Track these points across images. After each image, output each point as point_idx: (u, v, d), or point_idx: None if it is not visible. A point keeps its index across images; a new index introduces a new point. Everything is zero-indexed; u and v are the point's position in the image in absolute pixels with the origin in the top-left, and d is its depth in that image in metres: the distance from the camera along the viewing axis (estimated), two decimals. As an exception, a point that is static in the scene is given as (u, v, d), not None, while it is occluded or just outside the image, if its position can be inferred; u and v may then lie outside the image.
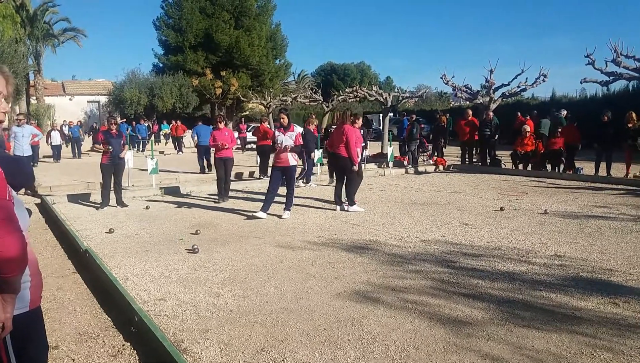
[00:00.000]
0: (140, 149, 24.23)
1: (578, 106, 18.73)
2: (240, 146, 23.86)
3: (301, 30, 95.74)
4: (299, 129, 8.65)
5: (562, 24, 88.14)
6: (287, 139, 7.99)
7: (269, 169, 9.97)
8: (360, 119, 9.22)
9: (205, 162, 14.81)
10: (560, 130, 13.01)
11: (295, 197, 8.41)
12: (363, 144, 10.24)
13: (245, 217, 8.02)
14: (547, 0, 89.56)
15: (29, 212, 2.19)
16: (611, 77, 13.11)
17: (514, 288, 4.53)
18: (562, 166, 12.87)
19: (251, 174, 13.92)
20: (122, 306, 4.17)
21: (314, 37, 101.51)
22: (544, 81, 15.73)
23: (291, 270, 5.19)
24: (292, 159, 8.06)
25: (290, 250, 5.95)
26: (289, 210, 8.02)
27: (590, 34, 75.81)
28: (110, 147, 8.81)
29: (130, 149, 10.76)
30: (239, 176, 13.54)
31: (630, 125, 11.65)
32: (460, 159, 15.74)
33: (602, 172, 12.11)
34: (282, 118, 8.15)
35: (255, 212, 7.99)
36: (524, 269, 5.08)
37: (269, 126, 16.24)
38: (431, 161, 15.80)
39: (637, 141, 11.49)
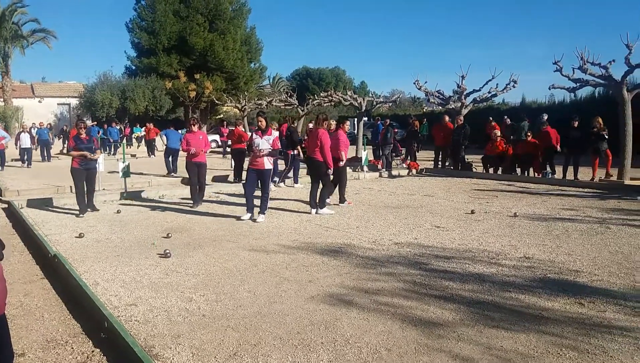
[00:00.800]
0: (112, 153, 23.82)
1: (547, 112, 19.17)
2: (221, 151, 23.70)
3: (276, 34, 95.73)
4: (276, 133, 8.66)
5: (533, 32, 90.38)
6: (263, 142, 8.00)
7: (244, 173, 9.93)
8: (347, 124, 9.72)
9: (171, 165, 14.83)
10: (529, 134, 13.33)
11: (270, 200, 8.39)
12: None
13: (235, 218, 7.96)
14: (519, 8, 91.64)
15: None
16: (578, 84, 13.46)
17: (484, 290, 4.63)
18: (531, 170, 13.21)
19: (225, 178, 13.82)
20: (92, 312, 4.09)
21: (290, 41, 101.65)
22: (514, 86, 16.07)
23: (265, 273, 5.18)
24: (268, 163, 8.06)
25: (265, 254, 5.94)
26: (264, 214, 8.00)
27: (559, 42, 77.94)
28: (85, 153, 8.57)
29: (102, 153, 10.52)
30: (221, 179, 13.42)
31: (595, 130, 12.03)
32: (433, 163, 15.94)
33: (570, 176, 12.44)
34: (260, 121, 8.15)
35: (241, 216, 8.01)
36: (494, 271, 5.19)
37: (243, 129, 16.17)
38: (404, 165, 15.96)
39: (598, 145, 11.87)
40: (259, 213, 8.01)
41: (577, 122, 12.52)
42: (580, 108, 18.62)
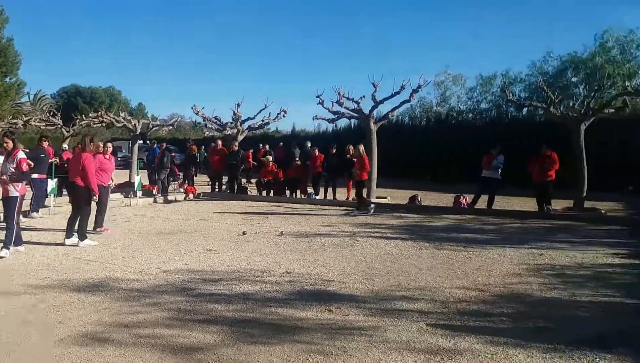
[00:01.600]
0: None
1: (313, 140, 21.26)
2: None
3: (42, 47, 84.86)
4: (21, 154, 7.57)
5: (301, 65, 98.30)
6: (6, 165, 7.00)
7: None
8: (110, 147, 9.33)
9: None
10: (297, 160, 14.54)
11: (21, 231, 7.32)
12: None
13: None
14: (286, 42, 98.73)
15: None
16: (336, 116, 15.26)
17: (247, 308, 4.80)
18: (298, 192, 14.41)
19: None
20: None
21: (57, 56, 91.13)
22: (284, 116, 17.40)
23: (2, 320, 4.45)
24: (13, 190, 7.03)
25: (4, 297, 5.10)
26: (8, 249, 6.89)
27: (322, 77, 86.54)
28: None
29: None
30: None
31: (348, 156, 13.73)
32: (210, 187, 16.07)
33: (330, 196, 13.90)
34: (6, 143, 7.19)
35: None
36: (258, 288, 5.45)
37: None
38: (182, 190, 15.70)
39: (352, 170, 13.57)
40: (2, 247, 6.88)
41: (335, 149, 14.12)
42: (340, 137, 21.07)
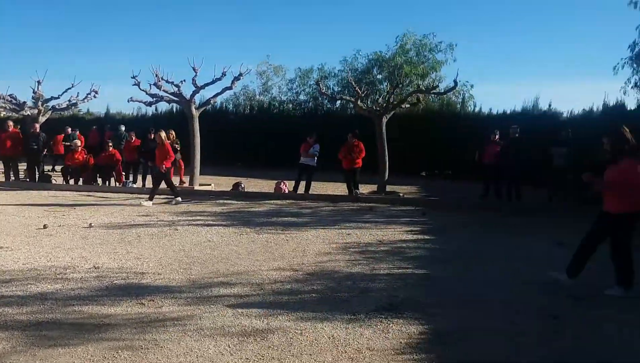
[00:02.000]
0: None
1: (130, 123, 19.92)
2: None
3: None
4: None
5: (114, 44, 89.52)
6: None
7: None
8: None
9: None
10: (110, 145, 13.54)
11: None
12: None
13: None
14: (104, 21, 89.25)
15: None
16: (154, 99, 14.49)
17: (44, 309, 4.35)
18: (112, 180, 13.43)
19: None
20: None
21: None
22: (95, 96, 15.92)
23: None
24: None
25: None
26: None
27: (139, 57, 79.40)
28: None
29: None
30: None
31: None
32: (4, 175, 13.98)
33: (149, 184, 13.16)
34: None
35: None
36: (59, 287, 4.96)
37: None
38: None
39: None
40: None
41: (153, 134, 13.41)
42: (161, 121, 20.02)
